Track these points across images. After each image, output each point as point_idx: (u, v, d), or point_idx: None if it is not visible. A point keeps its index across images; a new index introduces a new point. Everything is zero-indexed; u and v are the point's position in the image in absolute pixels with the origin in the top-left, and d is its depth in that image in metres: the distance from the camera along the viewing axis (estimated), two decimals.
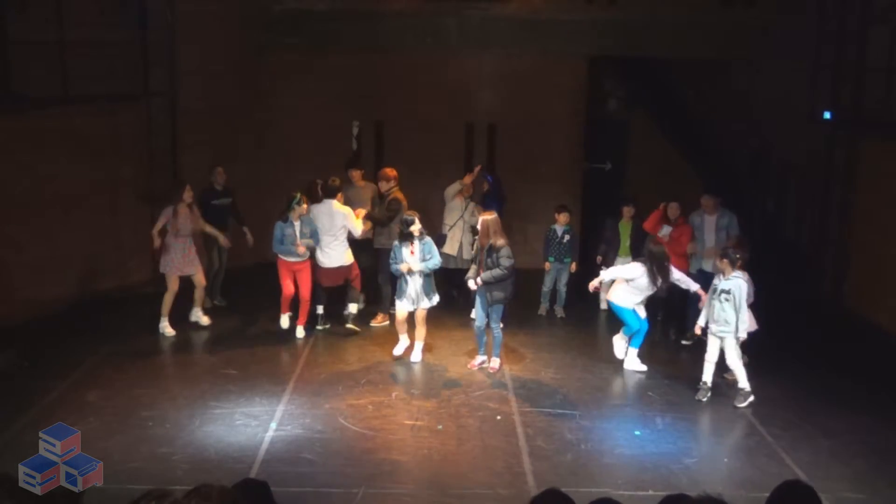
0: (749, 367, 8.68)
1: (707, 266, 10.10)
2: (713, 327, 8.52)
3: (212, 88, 12.26)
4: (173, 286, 10.24)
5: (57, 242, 10.95)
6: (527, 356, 9.96)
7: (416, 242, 9.39)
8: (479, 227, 9.40)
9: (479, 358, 9.54)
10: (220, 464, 7.09)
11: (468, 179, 11.38)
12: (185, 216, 10.16)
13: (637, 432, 7.93)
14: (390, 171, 10.87)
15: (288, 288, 10.15)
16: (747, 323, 8.41)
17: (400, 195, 10.61)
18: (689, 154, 14.34)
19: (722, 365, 8.60)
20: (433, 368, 9.52)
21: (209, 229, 10.63)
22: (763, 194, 14.07)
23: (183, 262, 10.22)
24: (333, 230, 10.15)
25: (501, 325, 9.45)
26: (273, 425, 7.90)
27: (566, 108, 13.76)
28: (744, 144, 14.02)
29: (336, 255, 10.22)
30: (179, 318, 10.45)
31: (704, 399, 8.62)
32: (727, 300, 8.36)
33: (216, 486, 2.99)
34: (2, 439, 7.19)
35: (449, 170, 13.50)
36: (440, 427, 8.03)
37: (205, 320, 10.58)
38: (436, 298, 9.61)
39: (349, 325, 10.45)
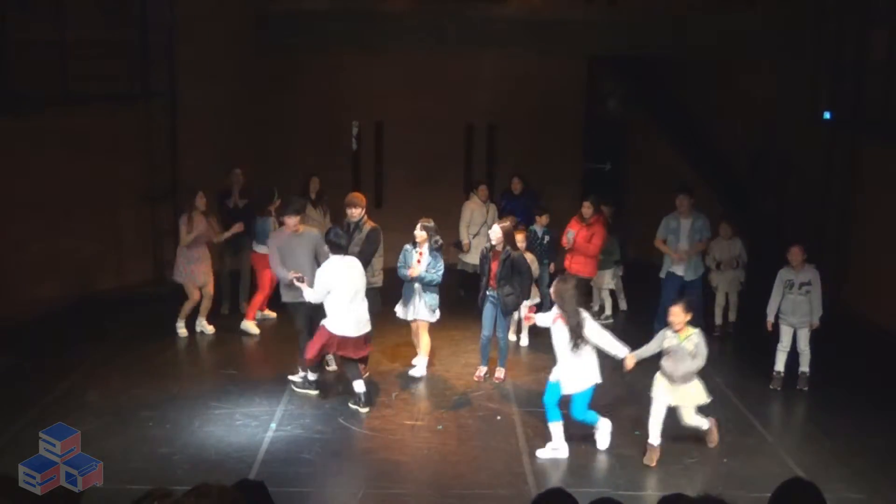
0: (749, 367, 8.69)
1: (678, 270, 10.12)
2: (791, 319, 8.84)
3: (212, 88, 12.25)
4: (194, 296, 10.16)
5: (57, 242, 10.94)
6: (526, 357, 9.95)
7: (424, 250, 9.03)
8: (493, 236, 9.00)
9: (483, 369, 9.28)
10: (220, 464, 7.09)
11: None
12: (200, 224, 10.04)
13: (637, 432, 7.92)
14: (362, 196, 9.50)
15: (268, 287, 10.30)
16: (820, 310, 8.79)
17: (373, 223, 9.36)
18: (688, 154, 14.32)
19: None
20: (433, 369, 9.51)
21: (223, 236, 10.48)
22: (763, 194, 14.06)
23: (198, 272, 10.16)
24: (356, 290, 8.31)
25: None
26: (273, 425, 7.90)
27: (566, 108, 13.77)
28: (744, 144, 14.00)
29: (363, 317, 8.40)
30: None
31: (779, 388, 8.97)
32: (808, 291, 8.71)
33: (216, 485, 2.99)
34: (2, 439, 7.19)
35: (449, 170, 13.53)
36: (440, 427, 8.03)
37: (209, 329, 10.42)
38: (437, 315, 9.18)
39: (361, 409, 8.36)
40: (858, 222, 11.70)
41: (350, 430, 7.93)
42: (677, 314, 7.21)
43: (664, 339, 7.28)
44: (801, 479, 3.51)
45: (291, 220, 8.80)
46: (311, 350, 8.35)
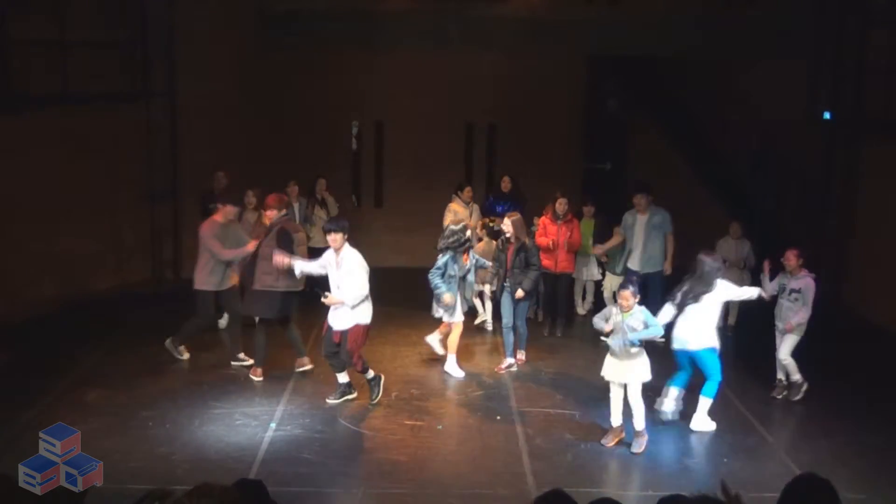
0: (748, 367, 8.67)
1: (634, 265, 10.24)
2: (779, 325, 8.73)
3: (212, 88, 12.25)
4: None
5: (57, 242, 10.94)
6: (527, 356, 9.94)
7: (470, 252, 9.43)
8: (505, 228, 9.28)
9: (507, 360, 9.45)
10: (219, 463, 7.08)
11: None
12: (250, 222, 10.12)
13: None
14: (279, 198, 9.10)
15: None
16: (805, 321, 8.59)
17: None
18: (688, 154, 14.33)
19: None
20: (433, 368, 9.51)
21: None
22: (763, 194, 14.07)
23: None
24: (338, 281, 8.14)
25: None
26: (273, 425, 7.90)
27: (566, 108, 13.77)
28: (744, 144, 14.01)
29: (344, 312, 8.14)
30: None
31: (780, 397, 8.81)
32: (796, 299, 8.56)
33: (217, 484, 2.99)
34: (2, 439, 7.18)
35: (449, 170, 13.52)
36: (440, 427, 8.03)
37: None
38: None
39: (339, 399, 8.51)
40: (858, 222, 11.70)
41: (350, 429, 7.93)
42: (626, 297, 7.41)
43: (610, 316, 7.53)
44: (814, 475, 3.46)
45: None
46: (360, 358, 8.30)
